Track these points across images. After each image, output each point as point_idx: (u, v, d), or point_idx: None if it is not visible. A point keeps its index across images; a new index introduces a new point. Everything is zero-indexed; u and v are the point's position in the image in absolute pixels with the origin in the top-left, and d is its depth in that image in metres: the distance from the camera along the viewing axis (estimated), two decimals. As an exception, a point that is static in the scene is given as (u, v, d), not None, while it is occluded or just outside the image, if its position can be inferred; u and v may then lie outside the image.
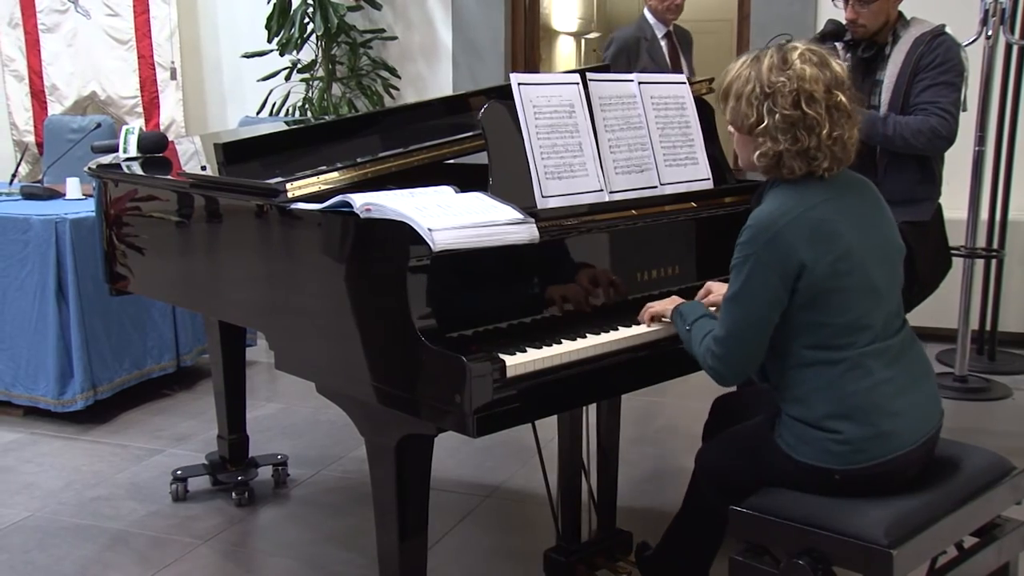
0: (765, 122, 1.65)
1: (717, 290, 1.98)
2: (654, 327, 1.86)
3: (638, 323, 1.87)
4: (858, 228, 1.67)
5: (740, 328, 1.66)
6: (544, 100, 1.94)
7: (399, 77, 5.32)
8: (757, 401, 1.98)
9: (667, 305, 1.87)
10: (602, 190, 2.00)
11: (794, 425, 1.70)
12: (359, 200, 1.72)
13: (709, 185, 2.22)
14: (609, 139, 2.04)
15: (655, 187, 2.11)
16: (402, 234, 1.61)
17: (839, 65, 1.68)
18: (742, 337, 1.66)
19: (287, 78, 5.30)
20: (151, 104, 5.75)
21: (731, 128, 1.75)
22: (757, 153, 1.68)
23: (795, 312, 1.65)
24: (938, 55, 2.77)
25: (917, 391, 1.72)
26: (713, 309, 1.85)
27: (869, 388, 1.65)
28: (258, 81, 5.32)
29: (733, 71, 1.72)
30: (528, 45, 5.30)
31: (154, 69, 5.72)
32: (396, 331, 1.63)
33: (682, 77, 2.29)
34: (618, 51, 4.16)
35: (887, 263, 1.72)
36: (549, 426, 2.26)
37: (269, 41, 5.24)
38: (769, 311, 1.65)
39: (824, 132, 1.63)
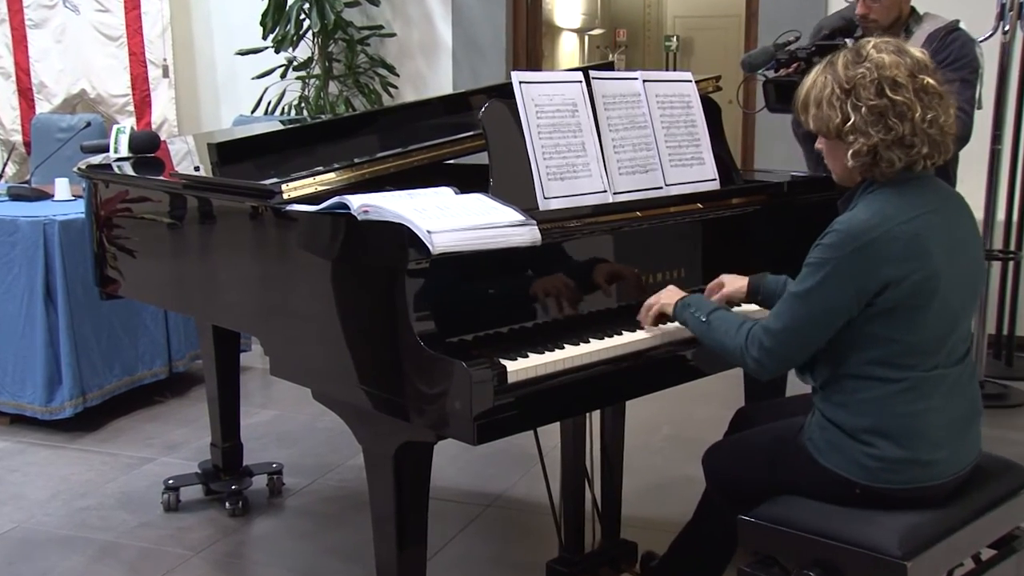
0: (852, 119, 1.63)
1: (731, 284, 1.99)
2: (656, 331, 1.87)
3: (642, 327, 1.88)
4: (948, 247, 1.65)
5: (799, 327, 1.64)
6: (546, 99, 1.95)
7: (397, 75, 5.33)
8: (781, 413, 1.97)
9: (667, 299, 1.87)
10: (606, 191, 2.01)
11: (828, 429, 1.70)
12: (356, 201, 1.72)
13: (716, 186, 2.23)
14: (613, 139, 2.05)
15: (660, 188, 2.12)
16: (400, 236, 1.62)
17: (919, 51, 1.68)
18: (798, 336, 1.65)
19: (282, 76, 5.31)
20: (142, 102, 5.77)
21: (818, 143, 1.72)
22: (850, 152, 1.64)
23: (864, 323, 1.64)
24: (952, 51, 2.77)
25: (965, 428, 1.71)
26: (741, 309, 1.82)
27: (919, 413, 1.65)
28: (253, 79, 5.33)
29: (808, 81, 1.71)
30: (530, 42, 5.31)
31: (146, 66, 5.73)
32: (394, 335, 1.64)
33: (688, 75, 2.30)
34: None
35: (968, 287, 1.70)
36: (552, 433, 2.26)
37: (264, 38, 5.25)
38: (835, 318, 1.63)
39: (917, 115, 1.61)
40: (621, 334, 1.84)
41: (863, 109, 1.63)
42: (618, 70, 2.43)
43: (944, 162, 1.64)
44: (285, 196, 1.92)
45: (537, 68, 5.40)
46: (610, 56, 9.02)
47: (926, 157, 1.64)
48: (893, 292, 1.60)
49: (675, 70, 8.92)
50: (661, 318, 1.88)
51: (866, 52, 1.65)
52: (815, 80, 1.70)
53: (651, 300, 1.89)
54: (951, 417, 1.68)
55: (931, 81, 1.64)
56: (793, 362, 1.71)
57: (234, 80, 5.70)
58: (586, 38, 9.35)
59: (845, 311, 1.63)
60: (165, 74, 5.74)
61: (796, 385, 1.97)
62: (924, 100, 1.63)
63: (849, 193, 1.74)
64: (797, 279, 1.67)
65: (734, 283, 1.99)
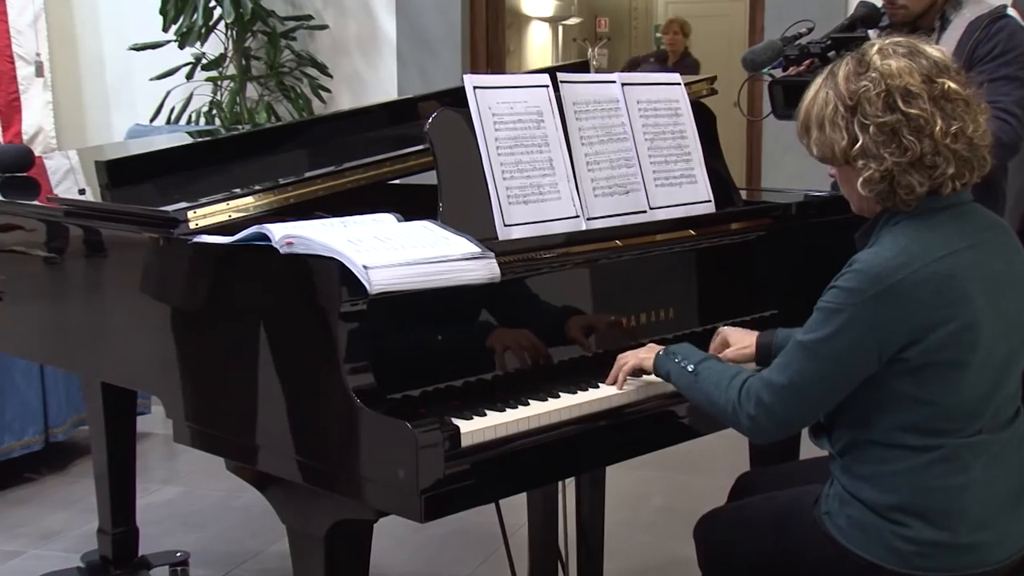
0: (860, 140, 1.65)
1: (737, 341, 2.01)
2: (639, 382, 1.92)
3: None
4: (992, 289, 1.67)
5: (806, 384, 1.67)
6: (506, 107, 2.02)
7: (331, 76, 5.38)
8: (793, 481, 2.01)
9: (644, 353, 1.91)
10: (578, 216, 2.07)
11: (850, 503, 1.73)
12: (279, 231, 1.77)
13: (711, 208, 2.30)
14: (587, 153, 2.12)
15: (643, 212, 2.19)
16: (332, 273, 1.66)
17: (936, 50, 1.70)
18: (805, 395, 1.68)
19: (189, 76, 5.34)
20: (9, 108, 5.73)
21: (831, 169, 1.76)
22: (861, 180, 1.67)
23: (891, 381, 1.66)
24: (998, 43, 2.82)
25: (1015, 504, 1.73)
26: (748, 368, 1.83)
27: (960, 488, 1.67)
28: (151, 80, 5.35)
29: (807, 98, 1.74)
30: (491, 35, 5.38)
31: (13, 63, 5.68)
32: (324, 392, 1.68)
33: (676, 76, 2.38)
34: None
35: (1017, 336, 1.72)
36: (518, 508, 2.30)
37: (165, 30, 5.28)
38: (850, 376, 1.66)
39: (937, 129, 1.62)
40: (597, 387, 1.90)
41: (872, 128, 1.64)
42: (596, 69, 2.52)
43: (981, 178, 1.66)
44: (192, 225, 1.96)
45: (500, 67, 5.47)
46: (589, 51, 9.16)
47: (954, 178, 1.66)
48: (924, 346, 1.62)
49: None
50: (637, 374, 1.92)
51: (870, 59, 1.67)
52: (815, 96, 1.73)
53: (624, 356, 1.93)
54: (997, 492, 1.71)
55: (953, 85, 1.66)
56: (797, 424, 1.75)
57: (128, 81, 5.72)
58: (560, 29, 9.50)
59: (863, 368, 1.65)
60: (39, 73, 5.72)
61: (812, 446, 2.01)
62: (945, 110, 1.64)
63: (868, 225, 1.76)
64: (807, 325, 1.69)
65: (741, 340, 2.01)
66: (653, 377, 1.91)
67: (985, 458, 1.69)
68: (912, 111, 1.63)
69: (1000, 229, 1.77)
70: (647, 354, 1.90)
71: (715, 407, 1.77)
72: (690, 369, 1.81)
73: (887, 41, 1.72)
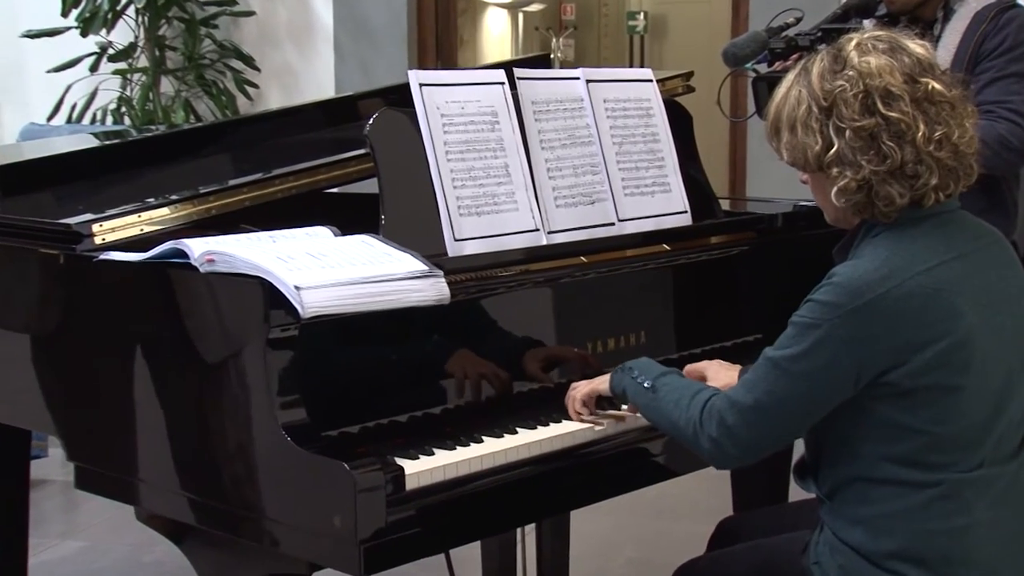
0: (835, 145, 1.68)
1: (718, 378, 1.98)
2: (591, 419, 1.92)
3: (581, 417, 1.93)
4: (985, 304, 1.69)
5: (775, 404, 1.69)
6: (457, 106, 2.04)
7: (258, 69, 5.36)
8: (780, 527, 2.03)
9: (599, 381, 1.93)
10: (538, 229, 2.10)
11: (841, 551, 1.75)
12: (199, 247, 1.77)
13: (687, 220, 2.34)
14: (547, 159, 2.15)
15: (612, 224, 2.22)
16: (259, 294, 1.67)
17: (920, 45, 1.73)
18: (773, 416, 1.70)
19: (93, 69, 5.30)
20: None
21: (802, 176, 1.79)
22: (836, 189, 1.70)
23: (877, 407, 1.68)
24: (1007, 36, 2.87)
25: None
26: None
27: (961, 530, 1.69)
28: (48, 73, 5.31)
29: (778, 96, 1.77)
30: (442, 24, 5.40)
31: None
32: (250, 429, 1.69)
33: (647, 72, 2.42)
34: None
35: (1018, 354, 1.74)
36: (471, 560, 2.31)
37: (64, 14, 5.23)
38: (823, 399, 1.69)
39: (919, 135, 1.66)
40: (559, 422, 1.92)
41: (848, 132, 1.67)
42: (562, 62, 2.54)
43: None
44: (98, 240, 1.96)
45: (451, 61, 5.48)
46: (553, 41, 9.21)
47: (937, 189, 1.69)
48: (910, 368, 1.65)
49: (642, 59, 9.18)
50: (602, 406, 1.94)
51: (847, 55, 1.70)
52: (786, 94, 1.76)
53: (576, 384, 1.95)
54: (1005, 534, 1.72)
55: (937, 86, 1.69)
56: (763, 449, 1.76)
57: (20, 74, 5.67)
58: (521, 16, 9.54)
59: (838, 391, 1.68)
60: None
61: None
62: (929, 113, 1.67)
63: (846, 239, 1.80)
64: (779, 340, 1.72)
65: (719, 378, 2.00)
66: (620, 409, 1.94)
67: (990, 495, 1.71)
68: (892, 114, 1.66)
69: (992, 239, 1.80)
70: (601, 380, 1.92)
71: (676, 428, 1.79)
72: (647, 385, 1.83)
73: (866, 35, 1.75)
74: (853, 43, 1.73)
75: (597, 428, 1.92)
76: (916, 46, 1.73)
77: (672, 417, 1.79)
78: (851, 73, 1.69)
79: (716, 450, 1.74)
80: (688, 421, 1.75)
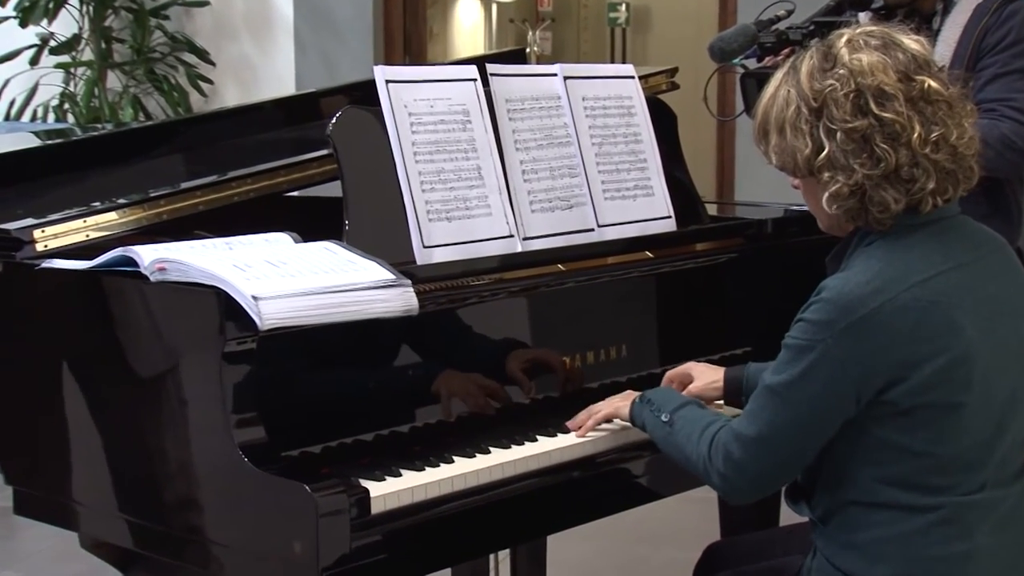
0: (826, 148, 1.69)
1: (703, 377, 2.06)
2: (592, 435, 1.95)
3: (567, 431, 1.96)
4: (985, 316, 1.71)
5: (778, 432, 1.71)
6: (426, 104, 2.05)
7: (213, 64, 5.35)
8: (770, 552, 2.05)
9: (620, 401, 1.95)
10: (513, 236, 2.11)
11: None
12: (149, 255, 1.77)
13: (672, 226, 2.35)
14: (522, 161, 2.16)
15: (591, 230, 2.23)
16: (214, 305, 1.67)
17: (915, 41, 1.74)
18: (777, 445, 1.72)
19: (33, 62, 5.29)
20: None
21: (793, 183, 1.80)
22: (827, 195, 1.71)
23: (873, 427, 1.69)
24: (1011, 29, 2.89)
25: None
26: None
27: (962, 556, 1.70)
28: (-14, 66, 5.32)
29: (766, 96, 1.78)
30: (410, 16, 5.40)
31: None
32: (204, 449, 1.69)
33: (629, 68, 2.43)
34: None
35: (1021, 369, 1.76)
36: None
37: (2, 4, 5.22)
38: (825, 421, 1.70)
39: (915, 137, 1.66)
40: (535, 440, 1.93)
41: (839, 134, 1.68)
42: (539, 57, 2.55)
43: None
44: (40, 246, 1.96)
45: (420, 56, 5.49)
46: (529, 34, 9.23)
47: (934, 193, 1.70)
48: (908, 386, 1.66)
49: (624, 54, 9.21)
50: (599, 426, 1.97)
51: (837, 52, 1.71)
52: (774, 94, 1.77)
53: (598, 405, 1.97)
54: (1008, 560, 1.74)
55: (933, 84, 1.69)
56: (774, 481, 1.79)
57: (-45, 68, 5.65)
58: (495, 8, 9.57)
59: (841, 412, 1.69)
60: None
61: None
62: (925, 113, 1.68)
63: (839, 247, 1.81)
64: (775, 365, 1.73)
65: (707, 377, 2.05)
66: (611, 425, 1.95)
67: (992, 519, 1.72)
68: (886, 115, 1.67)
69: (993, 246, 1.82)
70: (623, 401, 1.94)
71: (689, 464, 1.81)
72: (664, 419, 1.85)
73: (858, 31, 1.75)
74: (844, 39, 1.73)
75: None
76: (911, 42, 1.74)
77: (686, 452, 1.81)
78: (842, 71, 1.69)
79: (727, 485, 1.76)
80: (699, 457, 1.78)
